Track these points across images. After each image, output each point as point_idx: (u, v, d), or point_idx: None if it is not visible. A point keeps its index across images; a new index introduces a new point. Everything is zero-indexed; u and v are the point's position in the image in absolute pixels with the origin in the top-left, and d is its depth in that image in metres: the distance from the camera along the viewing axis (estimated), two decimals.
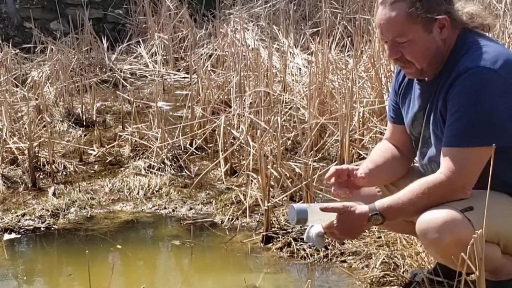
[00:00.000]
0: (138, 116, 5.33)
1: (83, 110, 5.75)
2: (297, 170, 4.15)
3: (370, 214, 2.52)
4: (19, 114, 5.54)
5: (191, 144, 5.02)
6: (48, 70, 6.56)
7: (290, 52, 6.54)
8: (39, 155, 4.74)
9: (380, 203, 2.53)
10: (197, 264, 3.53)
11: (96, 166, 4.85)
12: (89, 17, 7.66)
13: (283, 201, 3.98)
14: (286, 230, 3.64)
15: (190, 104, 5.21)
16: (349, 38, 6.30)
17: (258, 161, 3.88)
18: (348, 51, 5.96)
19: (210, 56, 7.05)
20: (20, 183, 4.52)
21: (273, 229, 3.63)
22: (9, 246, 3.77)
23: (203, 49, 7.23)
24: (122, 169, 4.73)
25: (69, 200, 4.21)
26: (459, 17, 2.55)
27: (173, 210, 4.14)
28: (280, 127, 4.45)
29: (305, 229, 2.73)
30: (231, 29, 6.93)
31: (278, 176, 4.09)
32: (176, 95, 6.59)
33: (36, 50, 7.41)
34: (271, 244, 3.57)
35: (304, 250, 3.45)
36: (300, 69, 6.27)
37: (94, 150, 5.05)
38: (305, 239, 2.73)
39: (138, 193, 4.34)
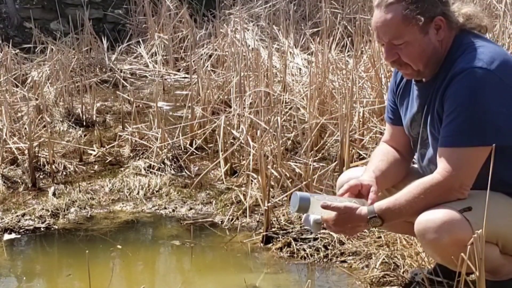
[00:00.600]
0: (138, 116, 5.33)
1: (83, 110, 5.75)
2: (297, 170, 4.15)
3: (368, 217, 2.53)
4: (19, 114, 5.54)
5: (191, 144, 5.01)
6: (48, 70, 6.55)
7: (290, 52, 6.54)
8: (39, 155, 4.74)
9: (378, 206, 2.54)
10: (197, 264, 3.53)
11: (96, 166, 4.85)
12: (89, 17, 7.66)
13: (283, 201, 3.98)
14: (286, 230, 3.64)
15: (190, 104, 5.21)
16: (349, 38, 6.30)
17: (258, 161, 3.88)
18: (348, 51, 5.96)
19: (210, 56, 7.05)
20: (20, 183, 4.52)
21: (273, 229, 3.63)
22: (9, 246, 3.77)
23: (203, 49, 7.23)
24: (122, 169, 4.73)
25: (69, 200, 4.21)
26: (455, 18, 2.55)
27: (173, 210, 4.14)
28: (280, 127, 4.45)
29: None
30: (231, 29, 6.93)
31: (278, 176, 4.09)
32: (176, 95, 6.59)
33: (36, 50, 7.41)
34: (271, 244, 3.57)
35: (304, 250, 3.45)
36: (300, 69, 6.26)
37: (94, 150, 5.05)
38: (302, 220, 2.80)
39: (138, 193, 4.34)
